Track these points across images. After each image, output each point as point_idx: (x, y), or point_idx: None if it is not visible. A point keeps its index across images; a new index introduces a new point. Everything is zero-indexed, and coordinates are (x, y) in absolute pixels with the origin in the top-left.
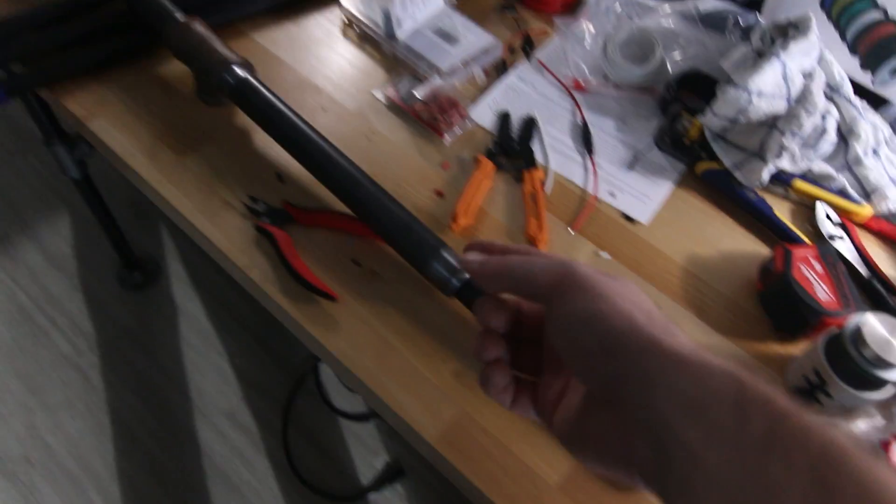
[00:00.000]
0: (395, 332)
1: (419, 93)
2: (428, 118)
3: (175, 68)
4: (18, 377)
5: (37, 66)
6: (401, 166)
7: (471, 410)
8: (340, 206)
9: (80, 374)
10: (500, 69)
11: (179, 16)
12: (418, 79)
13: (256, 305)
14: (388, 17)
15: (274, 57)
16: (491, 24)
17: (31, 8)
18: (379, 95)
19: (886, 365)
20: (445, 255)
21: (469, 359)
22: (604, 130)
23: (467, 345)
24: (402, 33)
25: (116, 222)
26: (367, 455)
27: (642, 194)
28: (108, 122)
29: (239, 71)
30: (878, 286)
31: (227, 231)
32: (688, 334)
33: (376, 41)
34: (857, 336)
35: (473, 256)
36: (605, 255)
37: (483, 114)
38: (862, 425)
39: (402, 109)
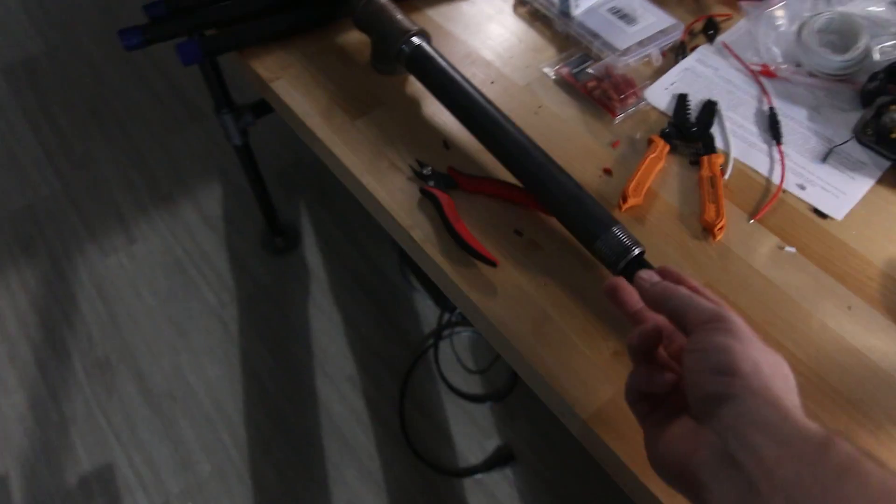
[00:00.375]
0: (554, 305)
1: (594, 71)
2: (599, 96)
3: (352, 38)
4: (170, 321)
5: (230, 31)
6: (568, 142)
7: None
8: (504, 175)
9: (222, 325)
10: (678, 52)
11: None
12: (591, 57)
13: (385, 278)
14: None
15: (446, 31)
16: (670, 5)
17: None
18: (549, 71)
19: None
20: (617, 231)
21: None
22: (794, 119)
23: (629, 328)
24: (577, 11)
25: (267, 189)
26: (478, 436)
27: (836, 189)
28: (290, 83)
29: (416, 39)
30: None
31: (392, 192)
32: (884, 343)
33: (548, 18)
34: None
35: (648, 276)
36: (790, 249)
37: (658, 95)
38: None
39: (573, 86)
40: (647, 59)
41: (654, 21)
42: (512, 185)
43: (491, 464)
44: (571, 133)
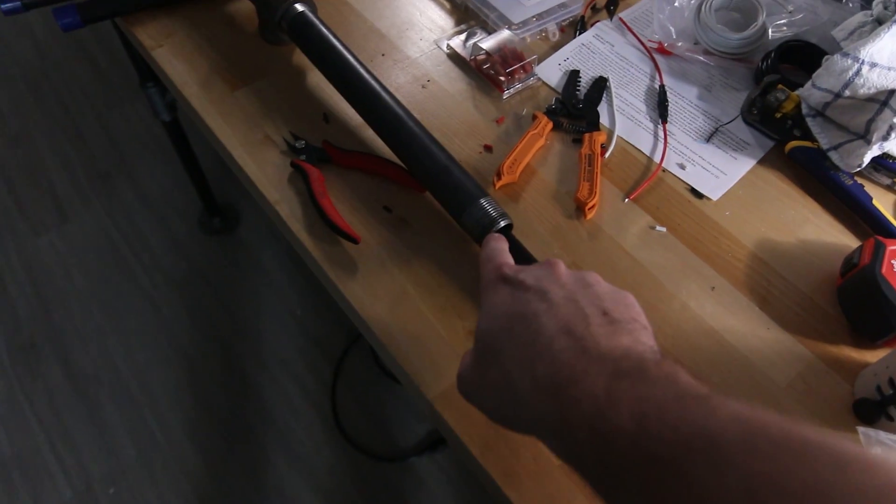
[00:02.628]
0: (416, 283)
1: (484, 44)
2: (488, 70)
3: (243, 7)
4: (100, 303)
5: None
6: (453, 117)
7: None
8: (384, 152)
9: (154, 307)
10: (577, 27)
11: None
12: (487, 31)
13: None
14: None
15: (343, 1)
16: None
17: None
18: (442, 45)
19: None
20: (484, 203)
21: None
22: (684, 98)
23: None
24: None
25: (201, 168)
26: (411, 420)
27: (718, 170)
28: (171, 52)
29: (299, 6)
30: None
31: (263, 165)
32: (742, 324)
33: None
34: None
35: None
36: (660, 228)
37: (551, 71)
38: None
39: (464, 60)
40: (543, 33)
41: None
42: (387, 160)
43: (422, 448)
44: (458, 108)
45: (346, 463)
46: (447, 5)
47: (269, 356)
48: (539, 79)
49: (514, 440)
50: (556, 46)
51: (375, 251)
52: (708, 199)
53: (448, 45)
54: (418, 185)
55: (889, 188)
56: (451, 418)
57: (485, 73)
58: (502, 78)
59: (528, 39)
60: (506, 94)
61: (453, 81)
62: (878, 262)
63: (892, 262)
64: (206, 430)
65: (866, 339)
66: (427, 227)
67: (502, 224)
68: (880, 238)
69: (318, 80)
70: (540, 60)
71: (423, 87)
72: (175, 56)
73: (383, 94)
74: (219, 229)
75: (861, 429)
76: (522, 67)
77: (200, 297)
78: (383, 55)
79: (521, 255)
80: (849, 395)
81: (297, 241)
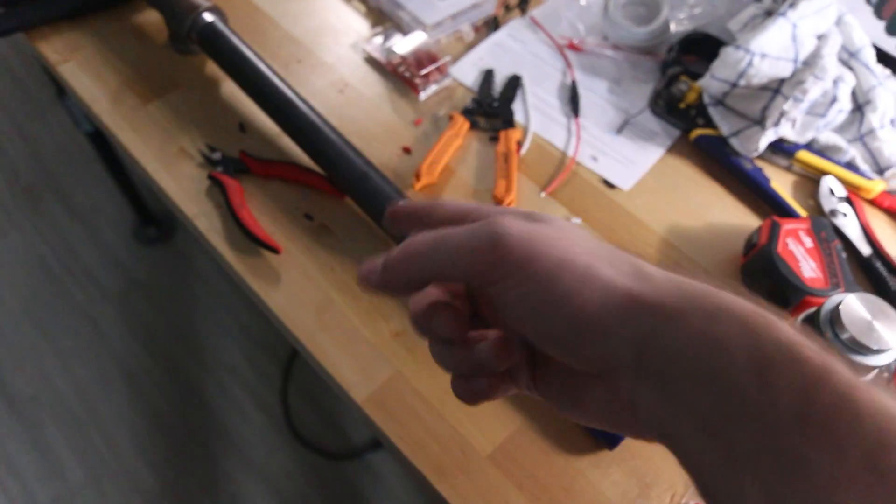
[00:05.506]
0: (339, 289)
1: (398, 47)
2: (404, 73)
3: (152, 18)
4: (33, 322)
5: (14, 11)
6: (371, 121)
7: (406, 372)
8: (303, 160)
9: (92, 323)
10: (491, 26)
11: None
12: (402, 33)
13: None
14: None
15: (255, 8)
16: None
17: None
18: (358, 49)
19: (865, 349)
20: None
21: None
22: (595, 92)
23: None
24: None
25: (130, 177)
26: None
27: (628, 160)
28: (79, 66)
29: (207, 16)
30: (879, 265)
31: (179, 179)
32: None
33: None
34: (834, 317)
35: (368, 265)
36: (576, 220)
37: (466, 71)
38: None
39: (380, 64)
40: (458, 34)
41: None
42: (306, 168)
43: (377, 443)
44: (375, 112)
45: (303, 465)
46: (362, 8)
47: (215, 365)
48: (455, 79)
49: (443, 436)
50: (471, 46)
51: (298, 260)
52: (620, 189)
53: (364, 48)
54: (338, 191)
55: (786, 169)
56: (380, 420)
57: (400, 76)
58: (418, 80)
59: (443, 40)
60: (422, 96)
61: (370, 85)
62: (775, 241)
63: (787, 240)
64: (156, 446)
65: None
66: (349, 232)
67: None
68: (776, 218)
69: (232, 90)
70: (455, 60)
71: (341, 91)
72: (83, 71)
73: (298, 102)
74: (155, 238)
75: None
76: (438, 69)
77: (140, 309)
78: (299, 62)
79: None
80: None
81: (217, 254)
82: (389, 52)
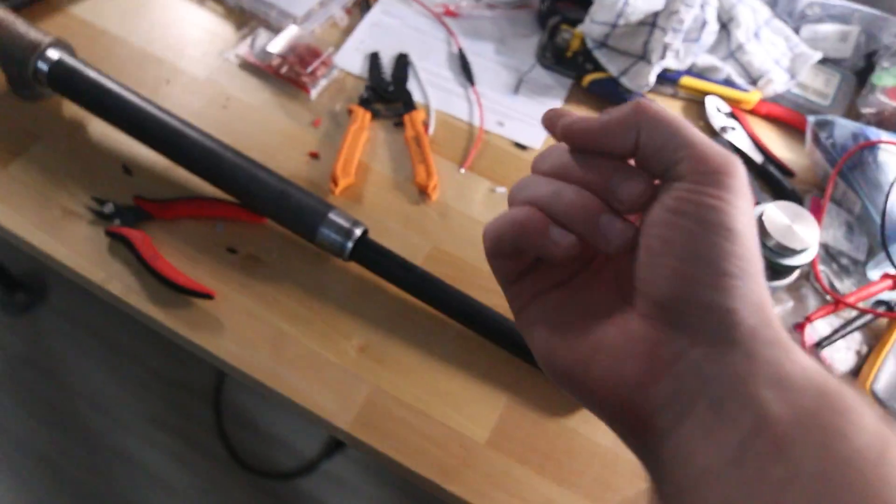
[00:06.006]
0: (289, 319)
1: (274, 46)
2: (288, 73)
3: None
4: None
5: None
6: (266, 132)
7: (383, 385)
8: (206, 189)
9: None
10: (362, 7)
11: None
12: (273, 31)
13: None
14: None
15: (100, 31)
16: None
17: None
18: (230, 56)
19: (791, 252)
20: (333, 216)
21: (375, 329)
22: (483, 56)
23: (370, 314)
24: None
25: None
26: (309, 428)
27: (531, 118)
28: None
29: (52, 53)
30: (773, 170)
31: (73, 244)
32: None
33: None
34: (759, 227)
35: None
36: (501, 189)
37: (350, 58)
38: (775, 311)
39: (258, 68)
40: (332, 20)
41: None
42: (214, 198)
43: (330, 450)
44: (268, 121)
45: (261, 495)
46: (220, 9)
47: (134, 419)
48: (342, 70)
49: (439, 437)
50: (348, 31)
51: (236, 300)
52: (532, 148)
53: (236, 54)
54: (256, 215)
55: (673, 97)
56: (373, 441)
57: (285, 77)
58: (305, 78)
59: (318, 30)
60: (313, 94)
61: (254, 93)
62: None
63: None
64: None
65: None
66: (280, 256)
67: (358, 233)
68: None
69: (103, 130)
70: (336, 50)
71: (224, 107)
72: None
73: (184, 128)
74: (26, 305)
75: None
76: (323, 62)
77: (31, 385)
78: (168, 82)
79: (387, 258)
80: None
81: (143, 315)
82: (265, 53)
